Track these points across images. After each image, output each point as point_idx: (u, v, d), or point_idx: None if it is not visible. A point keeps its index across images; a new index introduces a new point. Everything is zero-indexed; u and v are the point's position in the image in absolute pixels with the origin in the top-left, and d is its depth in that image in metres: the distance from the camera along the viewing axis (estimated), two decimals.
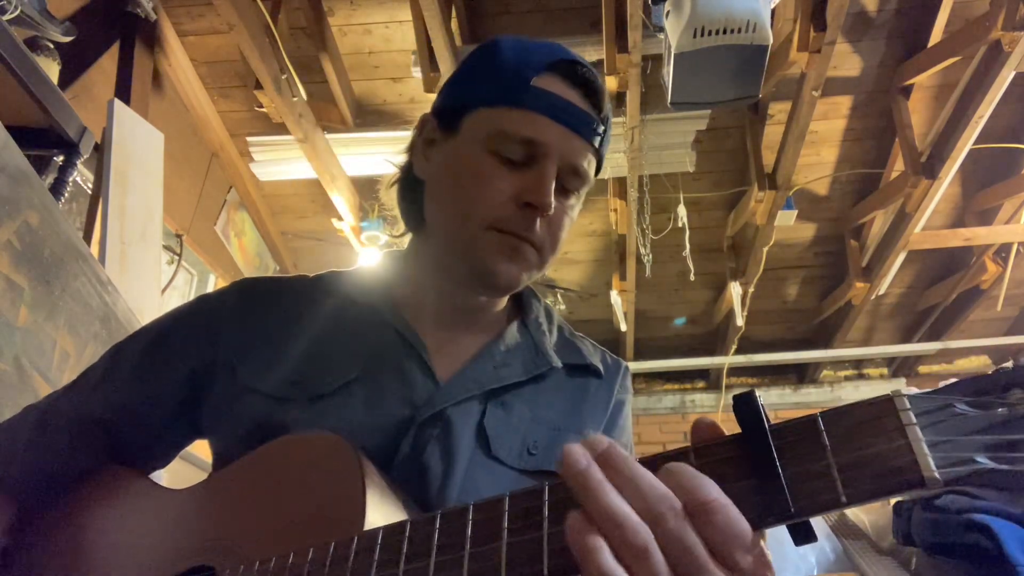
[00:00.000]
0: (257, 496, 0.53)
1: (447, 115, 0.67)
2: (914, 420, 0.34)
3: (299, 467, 0.52)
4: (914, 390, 0.36)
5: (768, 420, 0.36)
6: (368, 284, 0.70)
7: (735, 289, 3.80)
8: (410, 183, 0.71)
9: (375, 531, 0.44)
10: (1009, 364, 0.35)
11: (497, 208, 0.61)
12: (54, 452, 0.65)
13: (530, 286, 0.74)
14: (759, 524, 0.35)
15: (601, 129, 0.65)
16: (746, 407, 0.37)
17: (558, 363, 0.69)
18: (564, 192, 0.65)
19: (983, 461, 0.33)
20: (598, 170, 0.69)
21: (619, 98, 2.87)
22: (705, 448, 0.37)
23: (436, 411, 0.60)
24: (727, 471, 0.36)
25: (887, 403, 0.35)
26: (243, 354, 0.64)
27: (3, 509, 0.63)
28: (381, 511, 0.48)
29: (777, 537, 2.01)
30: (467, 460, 0.59)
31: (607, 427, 0.70)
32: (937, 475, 0.32)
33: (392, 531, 0.43)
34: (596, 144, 0.65)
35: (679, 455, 0.38)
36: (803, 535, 0.35)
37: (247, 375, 0.63)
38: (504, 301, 0.73)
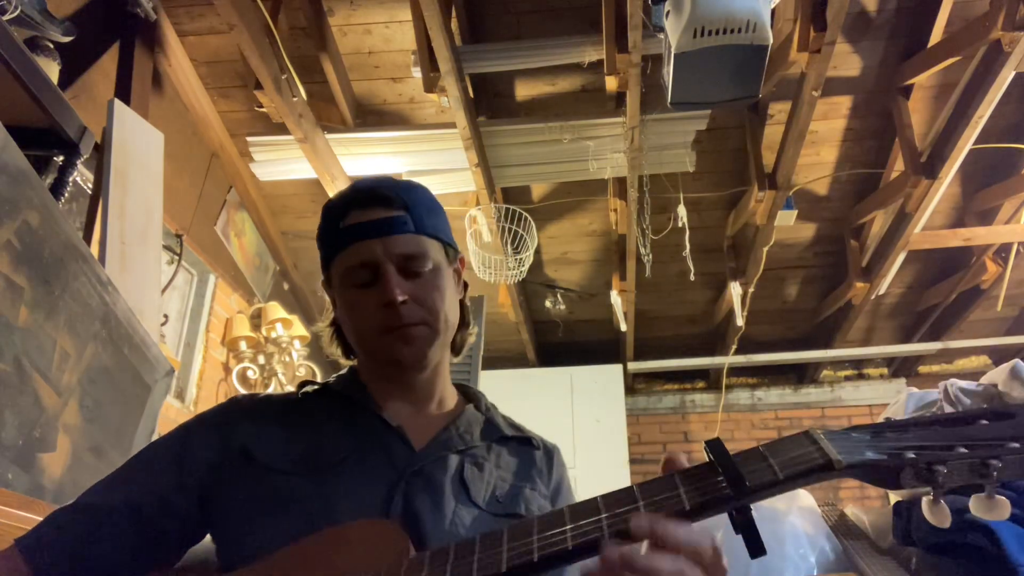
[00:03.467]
0: (321, 563, 0.64)
1: (327, 277, 0.89)
2: (824, 438, 0.54)
3: (360, 543, 0.64)
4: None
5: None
6: (346, 384, 0.88)
7: (735, 289, 3.80)
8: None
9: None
10: (884, 419, 0.54)
11: (372, 319, 0.81)
12: (91, 542, 0.71)
13: (475, 388, 0.95)
14: (717, 507, 0.53)
15: (407, 218, 0.82)
16: (716, 446, 0.56)
17: (508, 433, 0.88)
18: (414, 274, 0.81)
19: (869, 455, 0.53)
20: (446, 235, 0.87)
21: (619, 98, 2.87)
22: (686, 472, 0.56)
23: (417, 468, 0.76)
24: (705, 480, 0.55)
25: (805, 433, 0.55)
26: (256, 441, 0.78)
27: None
28: None
29: (778, 536, 2.01)
30: (453, 503, 0.74)
31: (553, 494, 0.87)
32: (841, 459, 0.52)
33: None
34: (413, 229, 0.82)
35: (668, 478, 0.56)
36: (755, 548, 0.51)
37: (262, 456, 0.76)
38: (451, 387, 0.91)
